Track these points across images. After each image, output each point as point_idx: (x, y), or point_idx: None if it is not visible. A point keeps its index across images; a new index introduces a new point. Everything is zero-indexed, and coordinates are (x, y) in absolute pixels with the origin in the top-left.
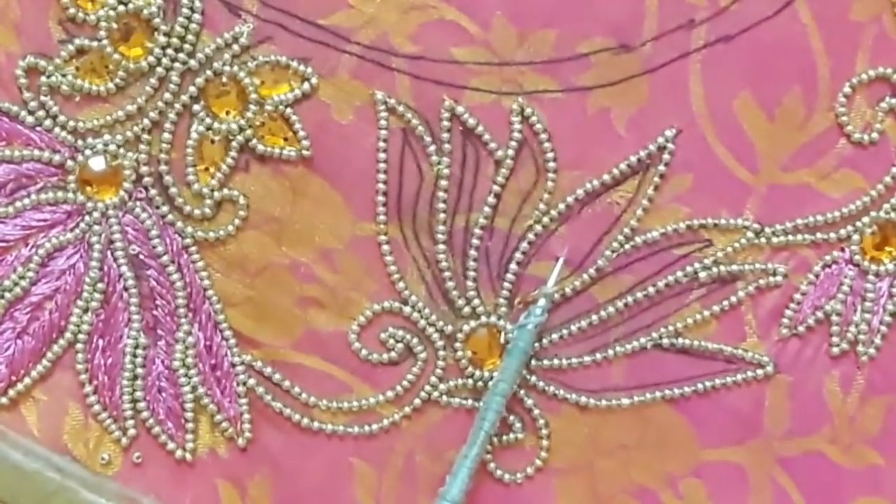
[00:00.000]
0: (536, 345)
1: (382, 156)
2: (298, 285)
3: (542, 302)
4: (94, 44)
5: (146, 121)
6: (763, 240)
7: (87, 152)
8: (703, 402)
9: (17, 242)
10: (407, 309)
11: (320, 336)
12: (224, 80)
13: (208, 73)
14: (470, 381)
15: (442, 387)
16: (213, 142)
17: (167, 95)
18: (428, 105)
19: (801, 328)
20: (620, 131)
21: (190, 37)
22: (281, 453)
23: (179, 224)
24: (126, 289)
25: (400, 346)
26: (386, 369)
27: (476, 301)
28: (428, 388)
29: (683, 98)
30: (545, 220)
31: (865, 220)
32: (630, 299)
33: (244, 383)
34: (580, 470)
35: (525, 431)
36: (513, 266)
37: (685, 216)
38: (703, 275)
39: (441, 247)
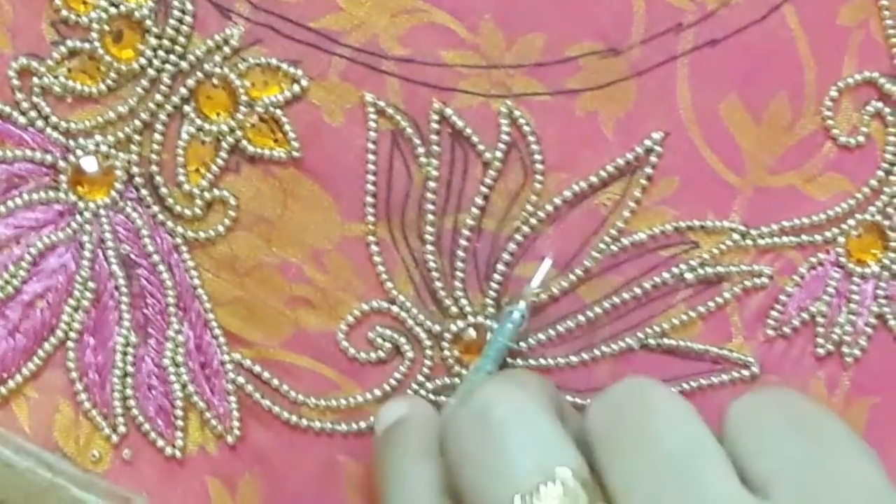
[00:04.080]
0: (523, 344)
1: (372, 157)
2: (288, 285)
3: (521, 304)
4: (86, 45)
5: (137, 122)
6: (749, 241)
7: (79, 153)
8: (688, 401)
9: (10, 241)
10: (395, 309)
11: (309, 335)
12: (215, 81)
13: (199, 74)
14: (457, 380)
15: (429, 385)
16: (203, 143)
17: (158, 97)
18: (417, 107)
19: (786, 329)
20: (608, 134)
21: (181, 39)
22: (270, 450)
23: (170, 224)
24: (117, 287)
25: (388, 345)
26: (374, 368)
27: (464, 301)
28: (415, 386)
29: (671, 101)
30: (532, 221)
31: (851, 222)
32: (616, 300)
33: (233, 381)
34: None
35: None
36: (500, 267)
37: (672, 218)
38: (689, 276)
39: (429, 247)
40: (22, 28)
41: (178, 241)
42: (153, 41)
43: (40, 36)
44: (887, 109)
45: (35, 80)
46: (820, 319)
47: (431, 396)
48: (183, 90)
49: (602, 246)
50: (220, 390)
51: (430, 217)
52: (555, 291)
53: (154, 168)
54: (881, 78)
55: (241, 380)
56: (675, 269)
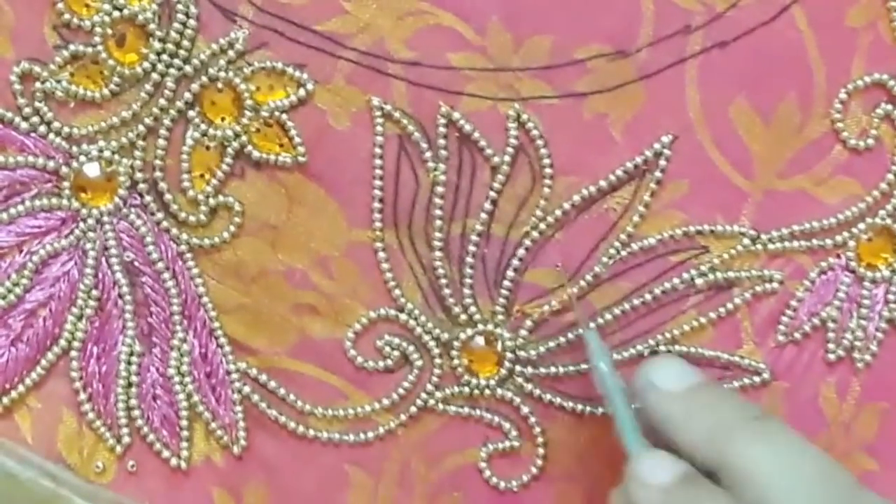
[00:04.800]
0: (533, 352)
1: (378, 162)
2: (294, 292)
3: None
4: (89, 49)
5: (141, 127)
6: (759, 246)
7: (82, 158)
8: None
9: (12, 249)
10: (403, 316)
11: (316, 343)
12: (219, 85)
13: (203, 78)
14: (466, 388)
15: (438, 394)
16: (208, 148)
17: (162, 101)
18: (424, 111)
19: (797, 335)
20: (616, 137)
21: (185, 42)
22: (276, 461)
23: (174, 231)
24: (121, 296)
25: (396, 353)
26: (382, 377)
27: (473, 308)
28: (424, 395)
29: (679, 104)
30: (542, 226)
31: (861, 226)
32: (627, 306)
33: (239, 391)
34: (576, 478)
35: (521, 439)
36: (510, 273)
37: (681, 222)
38: (699, 281)
39: (437, 253)
40: (24, 32)
41: (183, 248)
42: (157, 45)
43: (42, 40)
44: None
45: (37, 84)
46: (831, 325)
47: (441, 406)
48: (187, 95)
49: (612, 251)
50: (225, 400)
51: (438, 223)
52: (565, 298)
53: (158, 174)
54: (890, 80)
55: (247, 389)
56: (685, 275)
